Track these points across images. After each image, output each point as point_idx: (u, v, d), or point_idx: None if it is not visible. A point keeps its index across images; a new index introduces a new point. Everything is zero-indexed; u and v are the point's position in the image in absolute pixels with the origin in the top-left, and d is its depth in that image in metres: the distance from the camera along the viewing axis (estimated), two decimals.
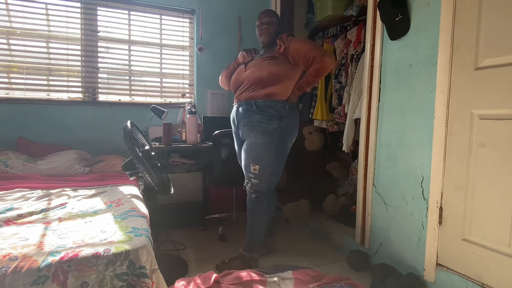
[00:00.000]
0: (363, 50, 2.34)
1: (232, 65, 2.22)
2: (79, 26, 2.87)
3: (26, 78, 2.74)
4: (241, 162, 2.10)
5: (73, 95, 2.89)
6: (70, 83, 2.88)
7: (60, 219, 1.50)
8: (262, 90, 1.94)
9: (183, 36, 3.26)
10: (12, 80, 2.72)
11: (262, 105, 1.94)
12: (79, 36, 2.88)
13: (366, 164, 2.16)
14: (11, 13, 2.68)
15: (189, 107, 3.01)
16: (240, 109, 2.04)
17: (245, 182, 2.03)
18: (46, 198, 1.82)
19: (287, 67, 1.95)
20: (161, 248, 2.25)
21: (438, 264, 1.72)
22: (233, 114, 2.12)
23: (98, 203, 1.77)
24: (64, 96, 2.86)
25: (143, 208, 1.70)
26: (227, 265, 1.97)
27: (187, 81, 3.32)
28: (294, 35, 2.08)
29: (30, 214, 1.57)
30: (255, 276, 1.61)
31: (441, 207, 1.69)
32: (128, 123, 1.76)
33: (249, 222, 2.07)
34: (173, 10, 3.17)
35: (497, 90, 1.46)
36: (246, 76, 2.02)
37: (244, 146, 2.02)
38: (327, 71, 1.97)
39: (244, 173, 2.05)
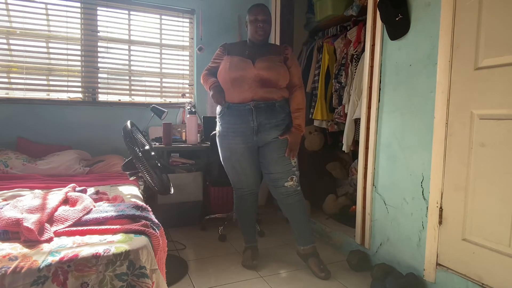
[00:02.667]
0: (363, 50, 2.33)
1: (214, 63, 2.06)
2: (79, 26, 2.87)
3: (26, 78, 2.74)
4: (232, 161, 2.04)
5: (73, 95, 2.89)
6: (70, 83, 2.88)
7: None
8: (278, 90, 1.95)
9: (183, 36, 3.26)
10: (12, 80, 2.72)
11: (282, 104, 1.99)
12: (79, 36, 2.88)
13: (366, 164, 2.16)
14: (11, 13, 2.68)
15: (189, 107, 3.01)
16: (260, 109, 1.92)
17: (287, 181, 1.98)
18: None
19: (288, 73, 2.00)
20: None
21: (438, 264, 1.72)
22: (242, 113, 1.93)
23: None
24: (64, 96, 2.86)
25: None
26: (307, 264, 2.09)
27: (187, 81, 3.32)
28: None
29: None
30: None
31: (441, 207, 1.69)
32: (128, 123, 1.76)
33: (302, 214, 2.07)
34: (173, 10, 3.17)
35: (497, 90, 1.46)
36: (256, 74, 1.89)
37: (276, 146, 1.96)
38: (303, 103, 2.05)
39: (281, 174, 1.98)
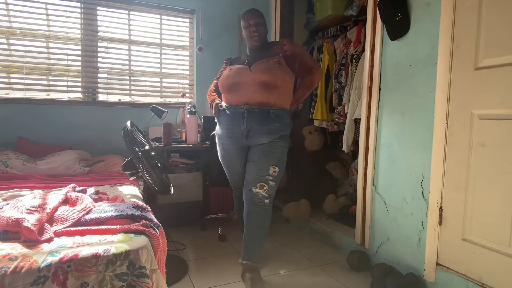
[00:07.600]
0: (363, 50, 2.34)
1: (218, 76, 2.14)
2: (79, 26, 2.87)
3: (26, 78, 2.74)
4: (227, 161, 2.06)
5: (73, 95, 2.89)
6: (70, 83, 2.88)
7: None
8: (276, 97, 1.89)
9: (183, 36, 3.26)
10: (12, 80, 2.72)
11: (279, 113, 1.90)
12: (79, 36, 2.88)
13: (366, 164, 2.16)
14: (11, 13, 2.68)
15: (189, 107, 3.01)
16: (252, 114, 1.88)
17: (256, 186, 1.87)
18: None
19: (290, 74, 1.93)
20: None
21: (438, 264, 1.72)
22: (234, 116, 1.92)
23: None
24: (64, 96, 2.86)
25: None
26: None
27: (187, 81, 3.32)
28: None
29: None
30: None
31: (441, 207, 1.69)
32: (128, 123, 1.76)
33: (257, 229, 1.93)
34: (173, 10, 3.17)
35: (497, 90, 1.46)
36: (253, 78, 1.87)
37: (260, 149, 1.91)
38: (318, 83, 2.01)
39: (253, 177, 1.89)
